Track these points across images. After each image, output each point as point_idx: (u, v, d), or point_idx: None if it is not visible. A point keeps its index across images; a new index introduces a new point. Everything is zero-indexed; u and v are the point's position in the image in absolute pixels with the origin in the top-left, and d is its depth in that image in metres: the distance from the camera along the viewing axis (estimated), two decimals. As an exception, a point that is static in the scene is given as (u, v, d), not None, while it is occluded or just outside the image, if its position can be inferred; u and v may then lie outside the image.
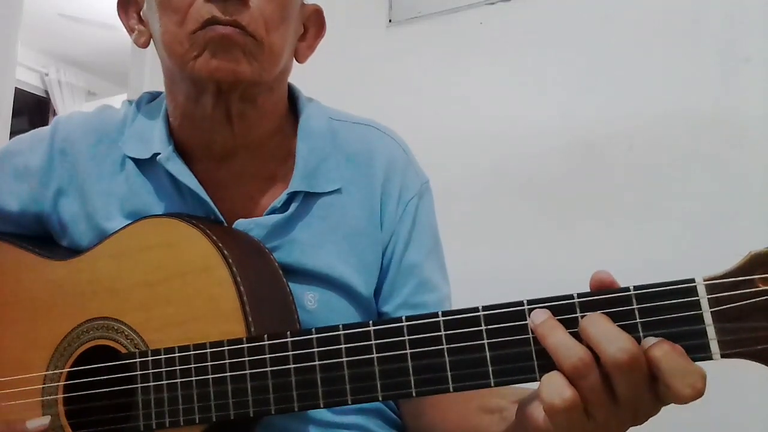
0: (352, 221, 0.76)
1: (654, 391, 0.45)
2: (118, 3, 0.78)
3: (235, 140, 0.74)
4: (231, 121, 0.73)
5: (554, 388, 0.45)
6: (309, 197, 0.75)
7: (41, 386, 0.68)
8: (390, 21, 1.59)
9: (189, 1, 0.67)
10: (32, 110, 4.47)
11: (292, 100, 0.82)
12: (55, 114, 4.49)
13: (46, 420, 0.66)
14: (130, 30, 0.77)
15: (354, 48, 1.59)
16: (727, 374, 1.15)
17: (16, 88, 2.42)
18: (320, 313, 0.72)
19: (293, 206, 0.74)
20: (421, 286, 0.79)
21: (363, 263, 0.76)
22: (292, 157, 0.76)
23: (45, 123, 4.46)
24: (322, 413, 0.72)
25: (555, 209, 1.34)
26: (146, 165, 0.76)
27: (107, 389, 0.64)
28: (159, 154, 0.74)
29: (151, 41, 0.75)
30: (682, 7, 1.30)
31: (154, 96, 0.84)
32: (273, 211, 0.74)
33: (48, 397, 0.68)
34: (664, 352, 0.44)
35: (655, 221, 1.26)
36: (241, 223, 0.72)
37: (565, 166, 1.35)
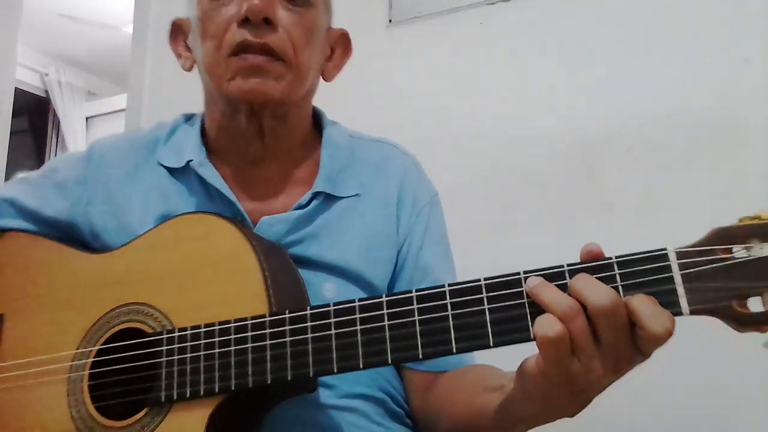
0: (369, 222, 0.83)
1: (632, 336, 0.52)
2: (170, 32, 0.89)
3: (265, 150, 0.83)
4: (263, 135, 0.81)
5: (547, 323, 0.52)
6: (330, 199, 0.82)
7: (70, 363, 0.71)
8: (390, 21, 1.59)
9: (224, 28, 0.76)
10: (32, 110, 4.47)
11: (317, 119, 0.91)
12: (55, 114, 4.49)
13: None
14: (178, 55, 0.89)
15: (354, 48, 1.59)
16: (728, 375, 1.15)
17: (16, 88, 2.42)
18: None
19: (315, 203, 0.81)
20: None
21: (378, 259, 0.82)
22: (316, 165, 0.84)
23: (45, 123, 4.49)
24: (328, 398, 0.75)
25: (554, 209, 1.34)
26: (179, 172, 0.84)
27: (131, 364, 0.68)
28: (192, 160, 0.82)
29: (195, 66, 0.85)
30: (682, 8, 1.30)
31: (189, 117, 0.92)
32: (298, 208, 0.80)
33: (75, 374, 0.71)
34: (640, 300, 0.51)
35: (655, 221, 1.26)
36: (266, 220, 0.78)
37: (565, 166, 1.35)
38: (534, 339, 0.53)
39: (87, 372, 0.70)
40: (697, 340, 1.17)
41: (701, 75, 1.26)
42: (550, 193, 1.36)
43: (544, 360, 0.53)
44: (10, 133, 2.27)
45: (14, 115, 2.33)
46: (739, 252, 0.51)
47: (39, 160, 4.52)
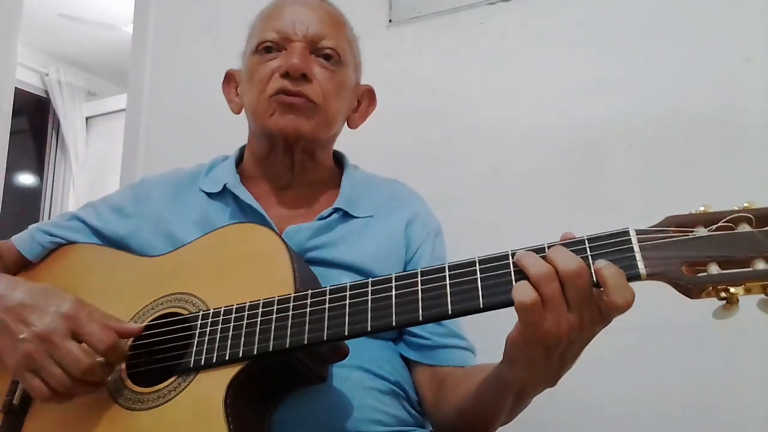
0: (380, 238, 0.95)
1: (596, 300, 0.62)
2: (223, 80, 1.06)
3: (293, 180, 0.99)
4: (293, 168, 0.99)
5: (524, 290, 0.62)
6: (347, 216, 0.96)
7: None
8: (390, 21, 1.59)
9: (268, 76, 0.93)
10: (32, 110, 4.47)
11: (338, 160, 1.07)
12: (55, 114, 4.49)
13: (140, 326, 0.79)
14: (230, 100, 1.05)
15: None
16: (727, 374, 1.15)
17: (16, 88, 2.41)
18: None
19: (334, 217, 0.95)
20: None
21: (389, 262, 0.93)
22: (336, 192, 0.99)
23: (45, 123, 4.49)
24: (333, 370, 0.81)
25: (554, 209, 1.34)
26: (217, 196, 0.98)
27: (166, 336, 0.78)
28: (228, 183, 0.96)
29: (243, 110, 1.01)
30: (682, 8, 1.30)
31: (225, 157, 1.07)
32: (320, 219, 0.94)
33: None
34: (612, 271, 0.61)
35: (655, 221, 1.25)
36: (292, 228, 0.92)
37: (565, 166, 1.35)
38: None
39: (127, 345, 0.79)
40: (696, 337, 1.17)
41: (701, 75, 1.26)
42: (550, 193, 1.36)
43: (521, 322, 0.63)
44: (10, 133, 2.27)
45: (14, 115, 2.32)
46: (689, 233, 0.63)
47: (39, 160, 4.52)
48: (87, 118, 4.56)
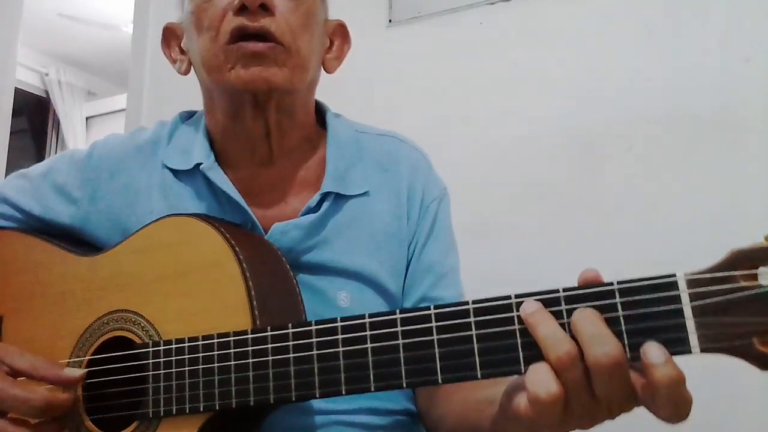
0: (381, 222, 0.82)
1: (636, 398, 0.47)
2: (162, 39, 0.87)
3: (272, 151, 0.81)
4: (269, 133, 0.79)
5: (541, 381, 0.46)
6: (339, 199, 0.80)
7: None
8: (390, 21, 1.59)
9: (220, 17, 0.74)
10: (32, 110, 4.47)
11: (320, 115, 0.89)
12: (55, 114, 4.49)
13: (82, 372, 0.69)
14: (173, 61, 0.86)
15: (354, 48, 1.59)
16: (727, 375, 1.15)
17: (16, 88, 2.42)
18: (353, 311, 0.74)
19: (325, 205, 0.79)
20: (440, 280, 0.82)
21: (391, 260, 0.81)
22: (323, 164, 0.82)
23: (45, 123, 4.50)
24: (330, 410, 0.74)
25: (554, 209, 1.34)
26: (184, 175, 0.82)
27: (122, 376, 0.69)
28: (201, 164, 0.80)
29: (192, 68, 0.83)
30: (681, 7, 1.30)
31: (190, 114, 0.90)
32: (308, 212, 0.79)
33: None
34: (669, 381, 0.44)
35: (655, 221, 1.26)
36: (278, 226, 0.77)
37: (565, 166, 1.35)
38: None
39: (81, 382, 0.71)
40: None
41: (701, 75, 1.26)
42: (550, 193, 1.36)
43: (534, 413, 0.47)
44: (10, 133, 2.27)
45: (14, 115, 2.33)
46: (765, 277, 0.43)
47: (39, 160, 4.49)
48: (87, 118, 4.57)
